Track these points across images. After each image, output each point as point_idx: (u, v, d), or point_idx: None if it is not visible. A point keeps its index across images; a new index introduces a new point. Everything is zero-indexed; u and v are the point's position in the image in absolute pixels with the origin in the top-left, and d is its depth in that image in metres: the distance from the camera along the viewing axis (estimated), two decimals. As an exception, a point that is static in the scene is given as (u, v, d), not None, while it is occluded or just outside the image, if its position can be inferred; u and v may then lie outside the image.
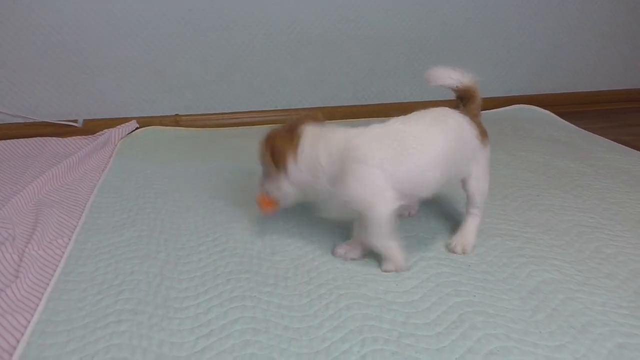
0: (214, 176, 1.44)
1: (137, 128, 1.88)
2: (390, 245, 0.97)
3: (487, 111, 2.12)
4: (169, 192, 1.34)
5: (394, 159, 0.93)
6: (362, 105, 2.09)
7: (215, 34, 1.89)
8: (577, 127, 1.92)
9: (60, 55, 1.81)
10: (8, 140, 1.71)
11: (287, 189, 1.02)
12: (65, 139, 1.74)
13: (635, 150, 1.65)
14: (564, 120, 2.01)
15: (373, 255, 1.02)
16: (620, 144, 1.72)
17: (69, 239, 1.11)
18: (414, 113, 1.02)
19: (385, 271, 0.98)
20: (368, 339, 0.80)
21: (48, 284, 0.95)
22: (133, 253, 1.05)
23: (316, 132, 1.00)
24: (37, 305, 0.89)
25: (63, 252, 1.06)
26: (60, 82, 1.84)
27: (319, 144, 0.97)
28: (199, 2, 1.84)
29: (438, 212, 1.23)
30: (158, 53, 1.87)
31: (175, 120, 1.95)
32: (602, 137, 1.80)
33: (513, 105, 2.16)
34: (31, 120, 1.85)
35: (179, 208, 1.25)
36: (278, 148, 1.00)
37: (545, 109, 2.11)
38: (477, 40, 2.12)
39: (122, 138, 1.79)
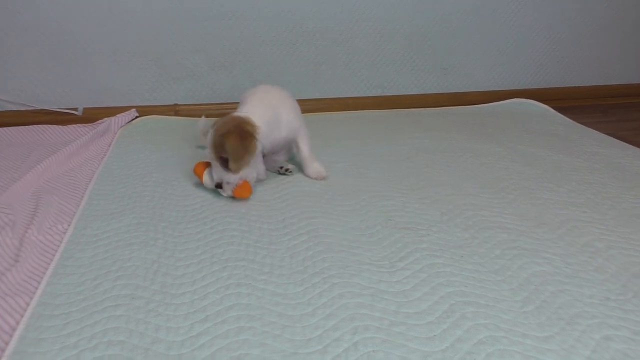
0: (213, 165, 1.45)
1: (136, 117, 1.89)
2: None
3: (486, 105, 2.13)
4: (168, 181, 1.35)
5: None
6: (361, 97, 2.10)
7: (214, 24, 1.90)
8: (574, 122, 1.93)
9: (61, 43, 1.81)
10: (8, 128, 1.72)
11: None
12: (65, 126, 1.75)
13: (631, 146, 1.66)
14: (561, 115, 2.01)
15: (364, 246, 1.04)
16: (616, 139, 1.73)
17: (69, 225, 1.12)
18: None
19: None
20: (360, 327, 0.82)
21: (47, 269, 0.96)
22: (131, 240, 1.06)
23: None
24: (37, 288, 0.91)
25: (62, 238, 1.07)
26: (60, 70, 1.85)
27: None
28: (199, -9, 1.85)
29: (433, 204, 1.24)
30: (158, 42, 1.88)
31: (174, 110, 1.96)
32: (598, 132, 1.80)
33: (511, 99, 2.16)
34: (31, 108, 1.86)
35: (177, 196, 1.27)
36: None
37: (543, 103, 2.12)
38: (476, 34, 2.12)
39: (121, 126, 1.80)
